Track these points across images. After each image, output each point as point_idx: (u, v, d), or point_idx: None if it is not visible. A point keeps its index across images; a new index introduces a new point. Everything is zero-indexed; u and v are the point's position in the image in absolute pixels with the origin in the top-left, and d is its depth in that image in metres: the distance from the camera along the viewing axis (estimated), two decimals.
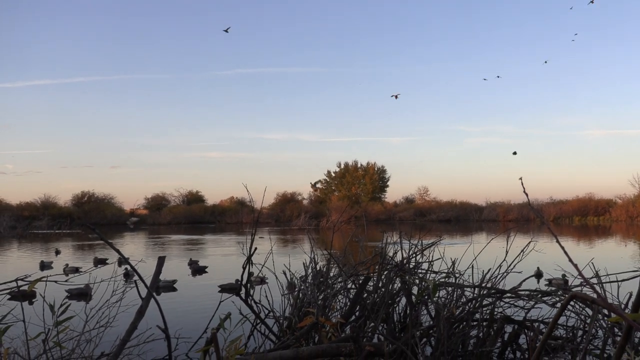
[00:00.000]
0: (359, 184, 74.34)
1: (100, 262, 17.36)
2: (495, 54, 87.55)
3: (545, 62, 78.98)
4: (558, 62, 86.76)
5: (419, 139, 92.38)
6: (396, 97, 15.26)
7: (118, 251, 2.99)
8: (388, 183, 76.66)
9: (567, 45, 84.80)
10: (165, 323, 3.15)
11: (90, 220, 57.58)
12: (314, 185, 59.89)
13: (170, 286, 12.50)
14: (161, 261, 3.39)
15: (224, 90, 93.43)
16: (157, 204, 69.29)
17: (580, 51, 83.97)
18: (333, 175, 76.04)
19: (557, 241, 1.80)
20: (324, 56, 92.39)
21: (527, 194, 2.31)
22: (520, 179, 2.26)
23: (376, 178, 74.73)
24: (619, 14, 79.79)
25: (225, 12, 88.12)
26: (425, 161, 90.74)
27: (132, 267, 3.04)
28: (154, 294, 3.39)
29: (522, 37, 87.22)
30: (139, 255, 20.25)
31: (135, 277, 3.50)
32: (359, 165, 75.31)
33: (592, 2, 16.75)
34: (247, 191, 4.32)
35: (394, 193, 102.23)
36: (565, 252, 1.98)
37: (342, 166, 75.59)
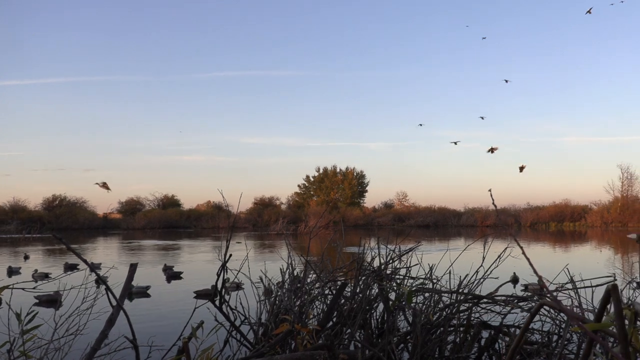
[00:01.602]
0: (337, 189, 74.55)
1: (71, 267, 16.95)
2: (480, 61, 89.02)
3: (484, 38, 79.37)
4: (537, 71, 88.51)
5: (398, 145, 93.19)
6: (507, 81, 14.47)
7: (85, 261, 2.89)
8: (367, 188, 77.19)
9: (546, 55, 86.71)
10: (133, 333, 3.06)
11: (62, 224, 56.40)
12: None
13: (143, 292, 12.26)
14: (133, 269, 3.28)
15: (202, 94, 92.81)
16: (132, 208, 68.20)
17: (559, 60, 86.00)
18: (312, 180, 76.12)
19: (523, 252, 1.81)
20: (304, 60, 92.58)
21: (495, 206, 2.32)
22: (490, 190, 2.27)
23: (355, 183, 75.07)
24: (599, 25, 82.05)
25: (204, 15, 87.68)
26: (406, 166, 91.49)
27: (100, 277, 2.93)
28: (126, 300, 3.28)
29: (505, 46, 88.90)
30: (111, 261, 19.88)
31: (108, 283, 3.39)
32: (337, 170, 75.60)
33: (589, 12, 17.01)
34: (222, 196, 4.25)
35: (373, 198, 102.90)
36: (530, 264, 1.99)
37: (321, 171, 75.77)
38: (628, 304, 1.31)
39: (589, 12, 16.89)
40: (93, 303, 4.18)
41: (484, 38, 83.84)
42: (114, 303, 3.19)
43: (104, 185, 4.19)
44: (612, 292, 1.30)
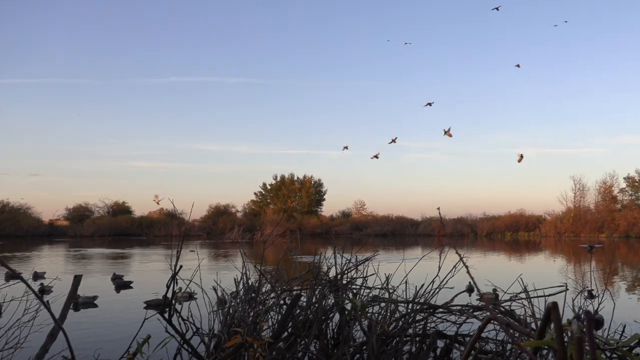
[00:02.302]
0: (295, 197, 74.42)
1: (12, 276, 16.05)
2: (434, 72, 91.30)
3: (406, 43, 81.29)
4: (494, 81, 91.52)
5: (357, 154, 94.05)
6: (430, 104, 14.44)
7: (13, 271, 2.68)
8: (324, 197, 77.41)
9: (504, 66, 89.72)
10: (72, 353, 2.87)
11: (4, 231, 53.62)
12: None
13: (90, 302, 11.74)
14: (77, 281, 3.09)
15: (156, 99, 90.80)
16: (80, 214, 65.66)
17: (514, 74, 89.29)
18: (269, 188, 75.66)
19: (465, 266, 1.81)
20: (261, 67, 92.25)
21: (444, 225, 2.33)
22: (438, 208, 2.28)
23: (312, 191, 75.19)
24: (553, 42, 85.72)
25: (162, 21, 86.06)
26: (364, 175, 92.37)
27: (36, 294, 2.73)
28: (72, 310, 3.09)
29: (465, 55, 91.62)
30: (57, 271, 18.98)
31: (52, 294, 3.18)
32: (295, 178, 75.50)
33: (497, 9, 17.59)
34: (173, 205, 4.10)
35: (331, 207, 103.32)
36: (471, 277, 1.98)
37: (278, 179, 75.47)
38: (569, 321, 1.31)
39: (496, 9, 17.52)
40: (35, 315, 3.95)
41: (407, 43, 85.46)
42: (56, 317, 3.00)
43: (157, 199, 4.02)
44: (552, 311, 1.30)
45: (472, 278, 1.52)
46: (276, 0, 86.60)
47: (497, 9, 17.71)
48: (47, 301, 3.13)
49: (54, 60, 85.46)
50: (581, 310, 3.61)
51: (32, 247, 37.70)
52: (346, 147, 12.04)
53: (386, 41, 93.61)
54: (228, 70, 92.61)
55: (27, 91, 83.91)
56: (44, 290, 12.39)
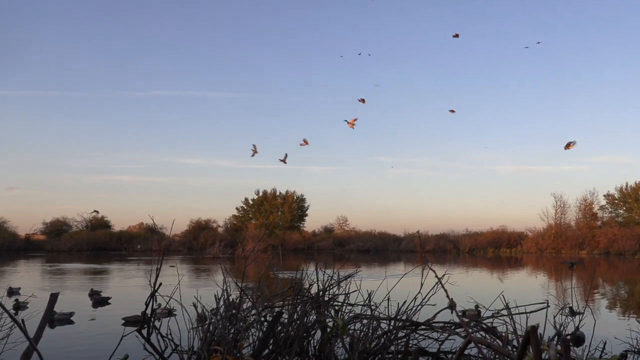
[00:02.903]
0: (277, 213, 74.08)
1: None
2: (421, 87, 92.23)
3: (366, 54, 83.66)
4: (476, 98, 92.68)
5: (339, 169, 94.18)
6: (363, 101, 14.16)
7: None
8: (307, 212, 77.18)
9: (484, 85, 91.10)
10: None
11: None
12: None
13: (67, 319, 11.44)
14: (53, 299, 3.01)
15: (137, 112, 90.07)
16: (57, 229, 64.30)
17: (495, 91, 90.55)
18: (250, 202, 75.25)
19: (441, 285, 1.82)
20: (243, 81, 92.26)
21: (424, 249, 2.34)
22: (418, 231, 2.28)
23: (295, 207, 74.95)
24: (534, 57, 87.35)
25: (147, 34, 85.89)
26: (346, 191, 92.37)
27: (10, 314, 2.65)
28: (48, 327, 3.00)
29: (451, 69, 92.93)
30: (33, 287, 18.51)
31: (26, 311, 3.09)
32: (277, 193, 75.25)
33: (539, 42, 18.01)
34: (153, 221, 4.06)
35: (313, 222, 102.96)
36: (447, 295, 1.99)
37: (260, 194, 75.15)
38: (548, 344, 1.31)
39: (455, 35, 17.91)
40: (9, 332, 3.83)
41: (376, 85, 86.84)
42: (30, 337, 2.91)
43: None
44: (531, 334, 1.30)
45: (447, 294, 1.52)
46: (262, 15, 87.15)
47: (456, 35, 18.08)
48: (22, 320, 3.04)
49: (34, 72, 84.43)
50: (562, 327, 3.64)
51: (8, 261, 36.74)
52: (285, 158, 11.75)
53: (357, 54, 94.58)
54: (212, 84, 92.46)
55: (6, 103, 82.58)
56: (19, 306, 12.05)
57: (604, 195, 64.45)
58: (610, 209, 64.66)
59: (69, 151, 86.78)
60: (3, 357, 3.63)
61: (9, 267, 30.89)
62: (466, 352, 3.91)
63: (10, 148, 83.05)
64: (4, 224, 60.10)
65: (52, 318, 11.15)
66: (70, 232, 63.91)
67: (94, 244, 59.52)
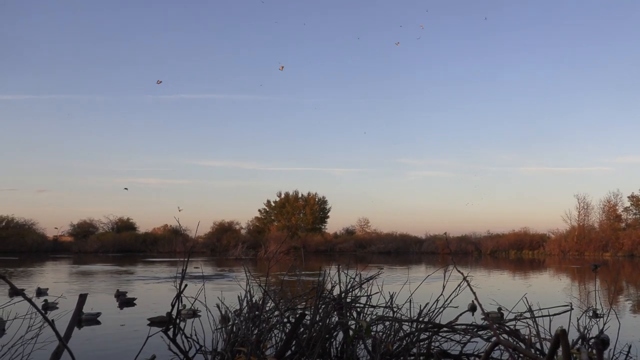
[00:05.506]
0: (299, 214, 74.29)
1: (15, 293, 16.06)
2: (439, 89, 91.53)
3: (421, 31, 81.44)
4: (496, 102, 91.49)
5: (361, 171, 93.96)
6: (281, 68, 14.49)
7: (25, 296, 2.70)
8: (328, 214, 77.18)
9: (507, 86, 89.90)
10: None
11: (8, 247, 53.69)
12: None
13: (93, 319, 11.70)
14: (82, 300, 3.10)
15: (163, 115, 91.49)
16: (84, 230, 65.69)
17: (517, 93, 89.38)
18: (273, 205, 75.62)
19: (470, 287, 1.82)
20: (268, 84, 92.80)
21: (450, 250, 2.34)
22: (445, 233, 2.29)
23: (317, 209, 75.04)
24: (558, 58, 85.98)
25: (172, 37, 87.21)
26: (368, 193, 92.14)
27: (41, 313, 2.74)
28: (75, 328, 3.09)
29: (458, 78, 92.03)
30: (61, 287, 18.96)
31: (55, 311, 3.19)
32: (299, 195, 75.46)
33: (397, 44, 17.96)
34: (178, 222, 4.14)
35: (335, 224, 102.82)
36: (475, 297, 1.99)
37: (283, 196, 75.46)
38: (578, 348, 1.31)
39: (397, 44, 17.96)
40: (39, 332, 3.95)
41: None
42: (61, 336, 3.00)
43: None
44: (560, 337, 1.29)
45: (475, 296, 1.52)
46: (286, 16, 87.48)
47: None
48: (52, 320, 3.14)
49: (64, 76, 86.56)
50: (586, 330, 3.59)
51: (36, 263, 37.69)
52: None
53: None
54: (233, 87, 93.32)
55: (35, 108, 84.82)
56: (48, 307, 12.37)
57: (628, 197, 62.98)
58: (634, 211, 63.13)
59: (96, 154, 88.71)
60: (33, 356, 3.74)
61: (37, 269, 31.68)
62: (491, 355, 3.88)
63: (39, 151, 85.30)
64: (32, 226, 61.70)
65: (80, 318, 11.42)
66: (96, 234, 65.20)
67: (119, 246, 60.62)
